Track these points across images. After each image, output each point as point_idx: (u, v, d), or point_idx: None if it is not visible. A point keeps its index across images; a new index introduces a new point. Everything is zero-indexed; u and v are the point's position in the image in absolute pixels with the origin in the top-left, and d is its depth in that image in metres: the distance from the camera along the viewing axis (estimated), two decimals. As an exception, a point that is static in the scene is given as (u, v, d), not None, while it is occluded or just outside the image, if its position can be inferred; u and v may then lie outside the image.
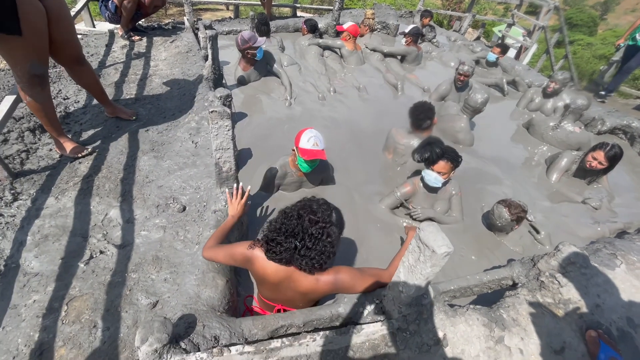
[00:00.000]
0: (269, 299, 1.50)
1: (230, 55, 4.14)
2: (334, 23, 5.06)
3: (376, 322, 1.32)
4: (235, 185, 1.88)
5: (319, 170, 2.40)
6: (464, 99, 3.43)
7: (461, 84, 3.78)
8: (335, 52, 4.67)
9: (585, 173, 3.00)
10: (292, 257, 1.27)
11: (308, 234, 1.25)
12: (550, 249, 2.36)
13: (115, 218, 1.89)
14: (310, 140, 2.08)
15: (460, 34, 6.61)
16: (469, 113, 3.37)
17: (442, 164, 2.22)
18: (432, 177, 2.26)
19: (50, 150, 2.30)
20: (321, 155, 2.10)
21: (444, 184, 2.33)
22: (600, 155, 2.78)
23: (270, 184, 2.35)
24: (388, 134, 3.04)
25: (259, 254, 1.36)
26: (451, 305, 1.45)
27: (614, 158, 2.77)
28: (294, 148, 2.17)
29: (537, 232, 2.41)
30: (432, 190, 2.40)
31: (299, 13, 6.27)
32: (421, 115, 2.74)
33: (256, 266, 1.37)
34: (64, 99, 2.82)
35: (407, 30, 4.85)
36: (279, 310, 1.48)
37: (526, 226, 2.43)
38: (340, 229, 1.37)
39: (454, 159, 2.23)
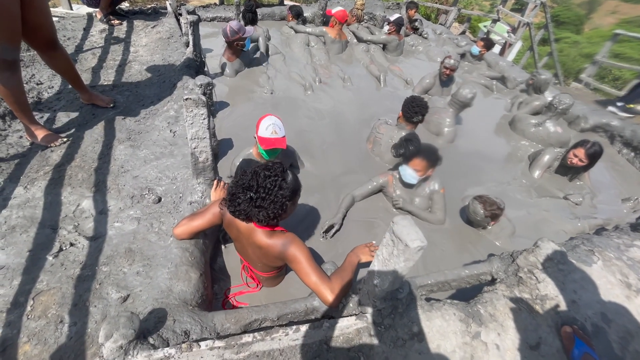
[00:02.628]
0: (240, 252, 1.69)
1: (213, 43, 4.03)
2: (321, 12, 4.98)
3: (350, 316, 1.30)
4: (216, 177, 1.83)
5: (284, 157, 2.34)
6: (452, 94, 3.41)
7: (446, 77, 3.76)
8: (322, 41, 4.61)
9: (566, 169, 3.04)
10: (251, 211, 1.36)
11: (262, 187, 1.34)
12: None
13: (87, 209, 1.82)
14: (268, 128, 1.99)
15: (446, 28, 6.61)
16: (457, 107, 3.36)
17: (417, 161, 2.20)
18: (407, 173, 2.25)
19: (21, 137, 2.19)
20: (280, 144, 2.01)
21: (421, 181, 2.32)
22: (580, 152, 2.82)
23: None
24: (373, 124, 3.02)
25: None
26: (428, 300, 1.44)
27: (594, 155, 2.81)
28: (255, 136, 2.09)
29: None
30: (408, 185, 2.38)
31: (285, 1, 6.15)
32: (416, 108, 2.72)
33: (227, 219, 1.54)
34: (37, 84, 2.69)
35: (391, 19, 4.84)
36: (245, 267, 1.71)
37: (507, 219, 2.44)
38: (293, 187, 1.44)
39: (430, 157, 2.20)
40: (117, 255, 1.60)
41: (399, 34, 4.94)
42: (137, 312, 1.35)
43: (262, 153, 2.10)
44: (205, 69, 3.44)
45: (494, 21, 7.43)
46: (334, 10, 4.46)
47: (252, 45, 3.89)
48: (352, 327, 1.28)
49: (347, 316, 1.32)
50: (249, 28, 3.38)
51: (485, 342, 1.36)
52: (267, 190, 1.34)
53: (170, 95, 2.72)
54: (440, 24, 7.04)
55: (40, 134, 2.12)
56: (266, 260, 1.53)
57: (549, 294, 1.55)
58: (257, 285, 1.77)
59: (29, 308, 1.38)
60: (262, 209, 1.35)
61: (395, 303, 1.31)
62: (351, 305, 1.37)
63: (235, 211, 1.38)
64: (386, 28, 4.94)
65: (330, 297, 1.32)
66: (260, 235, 1.44)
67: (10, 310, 1.36)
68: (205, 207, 1.62)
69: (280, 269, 1.69)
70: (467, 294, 1.68)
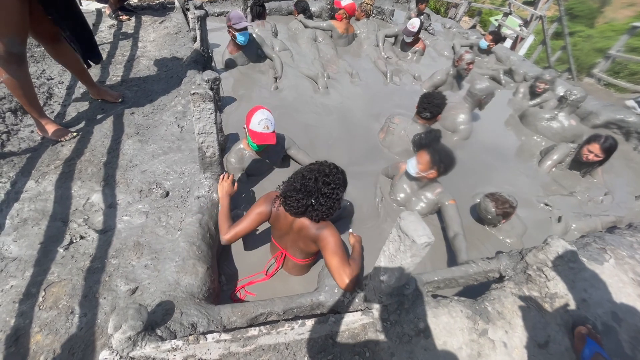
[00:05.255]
0: (278, 240, 1.80)
1: (221, 38, 4.01)
2: (328, 6, 4.93)
3: (356, 311, 1.30)
4: (224, 171, 1.85)
5: (273, 148, 2.33)
6: (468, 89, 3.33)
7: (467, 73, 3.67)
8: (329, 36, 4.56)
9: (580, 165, 2.99)
10: (306, 211, 1.53)
11: (322, 194, 1.50)
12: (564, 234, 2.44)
13: (97, 203, 1.84)
14: (261, 123, 1.98)
15: (456, 22, 6.48)
16: (472, 104, 3.29)
17: (422, 154, 2.19)
18: (411, 163, 2.26)
19: (32, 132, 2.23)
20: (271, 140, 2.02)
21: (426, 184, 2.32)
22: (595, 147, 2.76)
23: (234, 171, 2.28)
24: (388, 115, 3.04)
25: (280, 207, 1.64)
26: (434, 296, 1.43)
27: (609, 149, 2.75)
28: (244, 127, 2.08)
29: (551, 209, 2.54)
30: (410, 177, 2.36)
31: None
32: (425, 104, 2.72)
33: (274, 214, 1.66)
34: (48, 80, 2.72)
35: (415, 29, 4.48)
36: (281, 255, 1.81)
37: (518, 218, 2.40)
38: (345, 188, 1.61)
39: (435, 157, 2.15)
40: (125, 248, 1.63)
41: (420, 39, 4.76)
42: (145, 304, 1.36)
43: (251, 143, 2.09)
44: (213, 64, 3.44)
45: (506, 14, 7.28)
46: (343, 3, 4.37)
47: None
48: (357, 322, 1.27)
49: (353, 311, 1.32)
50: (243, 22, 3.21)
51: (492, 339, 1.35)
52: (326, 197, 1.51)
53: (177, 91, 2.74)
54: (450, 17, 6.92)
55: (50, 128, 2.15)
56: (303, 244, 1.66)
57: (558, 292, 1.53)
58: (279, 266, 1.86)
59: (40, 299, 1.41)
60: (317, 212, 1.52)
61: (402, 299, 1.31)
62: (357, 300, 1.37)
63: (291, 210, 1.55)
64: (410, 38, 4.64)
65: (347, 279, 1.40)
66: (303, 220, 1.60)
67: (23, 300, 1.39)
68: (252, 212, 1.70)
69: (315, 256, 1.82)
70: (474, 291, 1.67)
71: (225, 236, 1.66)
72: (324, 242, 1.52)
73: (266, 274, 1.82)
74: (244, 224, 1.66)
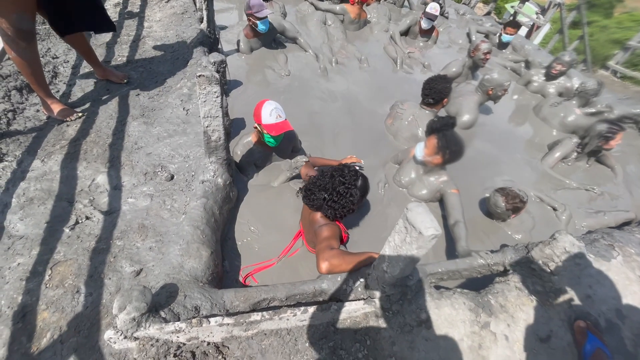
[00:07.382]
0: (302, 219, 1.95)
1: (229, 19, 3.93)
2: None
3: (358, 300, 1.30)
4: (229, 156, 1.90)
5: (287, 140, 2.30)
6: (480, 80, 3.22)
7: (485, 64, 3.54)
8: (339, 20, 4.45)
9: (592, 153, 2.95)
10: (322, 206, 1.63)
11: (336, 191, 1.60)
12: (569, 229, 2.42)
13: (102, 184, 1.84)
14: (272, 113, 1.94)
15: (470, 8, 6.27)
16: (481, 94, 3.19)
17: (431, 138, 2.18)
18: (419, 146, 2.27)
19: (38, 111, 2.21)
20: (287, 127, 1.99)
21: (432, 170, 2.31)
22: (620, 135, 2.74)
23: (244, 164, 2.27)
24: (396, 101, 3.03)
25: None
26: (437, 288, 1.43)
27: None
28: (257, 125, 2.04)
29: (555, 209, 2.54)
30: (417, 161, 2.35)
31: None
32: (426, 90, 2.70)
33: None
34: (53, 58, 2.69)
35: (437, 12, 4.28)
36: (299, 234, 1.96)
37: (527, 212, 2.37)
38: (363, 193, 1.70)
39: (442, 142, 2.12)
40: (130, 230, 1.63)
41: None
42: (149, 286, 1.38)
43: (268, 139, 2.05)
44: (219, 46, 3.38)
45: (523, 1, 7.03)
46: None
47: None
48: (359, 310, 1.28)
49: (355, 300, 1.32)
50: (266, 10, 3.19)
51: (494, 332, 1.35)
52: (340, 194, 1.59)
53: (183, 72, 2.69)
54: (464, 3, 6.69)
55: (56, 108, 2.14)
56: (312, 233, 1.72)
57: (563, 287, 1.52)
58: (292, 244, 1.92)
59: (47, 277, 1.43)
60: (331, 209, 1.61)
61: (404, 289, 1.30)
62: (359, 289, 1.37)
63: (308, 203, 1.68)
64: (426, 23, 4.42)
65: (322, 264, 1.42)
66: (315, 215, 1.70)
67: (30, 278, 1.41)
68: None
69: None
70: (478, 284, 1.66)
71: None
72: (320, 235, 1.58)
73: (289, 254, 1.90)
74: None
